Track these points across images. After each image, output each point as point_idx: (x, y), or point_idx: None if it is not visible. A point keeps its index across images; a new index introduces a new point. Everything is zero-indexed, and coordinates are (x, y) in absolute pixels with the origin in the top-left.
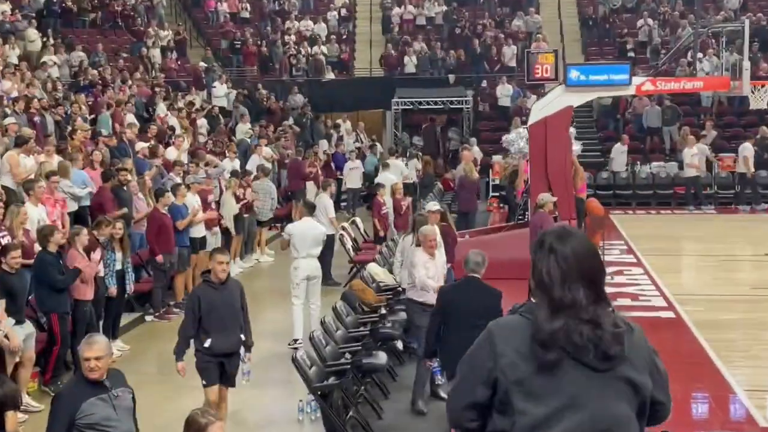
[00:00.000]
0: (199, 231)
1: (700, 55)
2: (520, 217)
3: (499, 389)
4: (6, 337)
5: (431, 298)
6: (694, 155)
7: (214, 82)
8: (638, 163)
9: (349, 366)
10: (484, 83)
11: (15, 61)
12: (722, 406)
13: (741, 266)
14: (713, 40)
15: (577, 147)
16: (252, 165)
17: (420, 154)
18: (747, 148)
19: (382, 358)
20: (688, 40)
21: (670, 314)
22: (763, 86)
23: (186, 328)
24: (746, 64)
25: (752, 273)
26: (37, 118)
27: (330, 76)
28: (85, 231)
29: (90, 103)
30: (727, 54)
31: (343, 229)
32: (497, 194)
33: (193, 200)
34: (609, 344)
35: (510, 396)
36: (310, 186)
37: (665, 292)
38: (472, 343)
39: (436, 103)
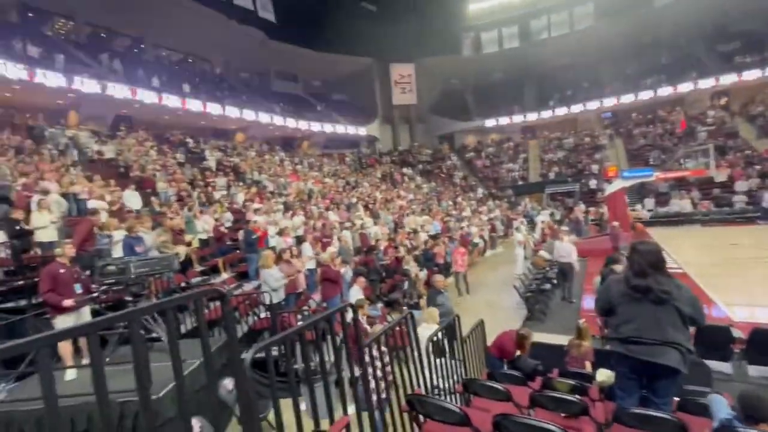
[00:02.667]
0: None
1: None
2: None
3: (613, 304)
4: None
5: None
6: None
7: None
8: None
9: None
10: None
11: None
12: None
13: None
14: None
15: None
16: None
17: None
18: None
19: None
20: (677, 155)
21: None
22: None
23: None
24: (712, 162)
25: None
26: None
27: None
28: None
29: None
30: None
31: None
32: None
33: None
34: (661, 294)
35: (616, 307)
36: None
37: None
38: None
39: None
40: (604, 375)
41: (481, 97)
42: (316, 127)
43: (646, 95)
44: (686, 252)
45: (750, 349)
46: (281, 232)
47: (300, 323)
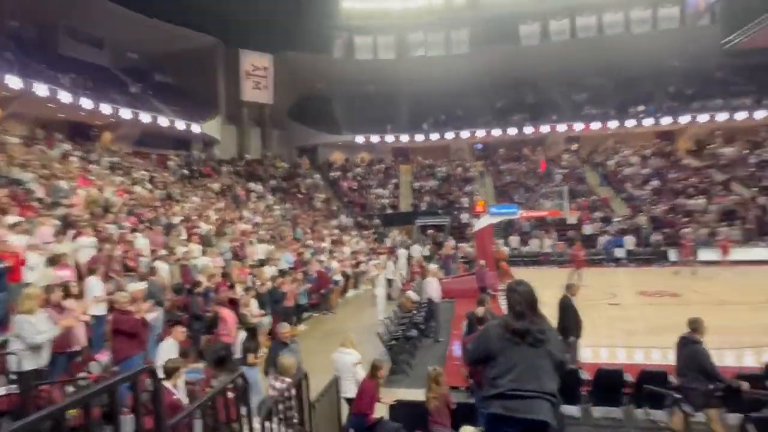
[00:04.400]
0: None
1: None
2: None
3: (491, 351)
4: None
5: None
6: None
7: None
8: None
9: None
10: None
11: None
12: None
13: None
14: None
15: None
16: None
17: None
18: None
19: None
20: (537, 195)
21: None
22: (572, 214)
23: None
24: (566, 204)
25: None
26: None
27: None
28: None
29: None
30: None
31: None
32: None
33: None
34: (538, 334)
35: (496, 355)
36: None
37: None
38: None
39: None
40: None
41: (352, 108)
42: (126, 114)
43: (512, 131)
44: (542, 293)
45: (594, 390)
46: (54, 261)
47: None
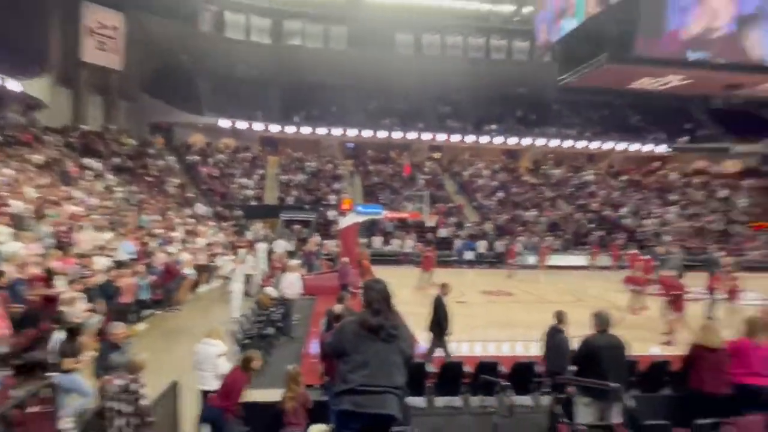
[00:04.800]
0: None
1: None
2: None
3: (345, 347)
4: None
5: None
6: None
7: None
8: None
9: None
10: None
11: None
12: None
13: None
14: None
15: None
16: None
17: None
18: None
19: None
20: (401, 198)
21: None
22: (431, 218)
23: None
24: (426, 208)
25: None
26: None
27: None
28: None
29: None
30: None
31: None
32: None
33: None
34: (391, 330)
35: (349, 351)
36: None
37: None
38: None
39: None
40: (318, 431)
41: (218, 89)
42: None
43: (382, 134)
44: (400, 291)
45: (439, 382)
46: None
47: None
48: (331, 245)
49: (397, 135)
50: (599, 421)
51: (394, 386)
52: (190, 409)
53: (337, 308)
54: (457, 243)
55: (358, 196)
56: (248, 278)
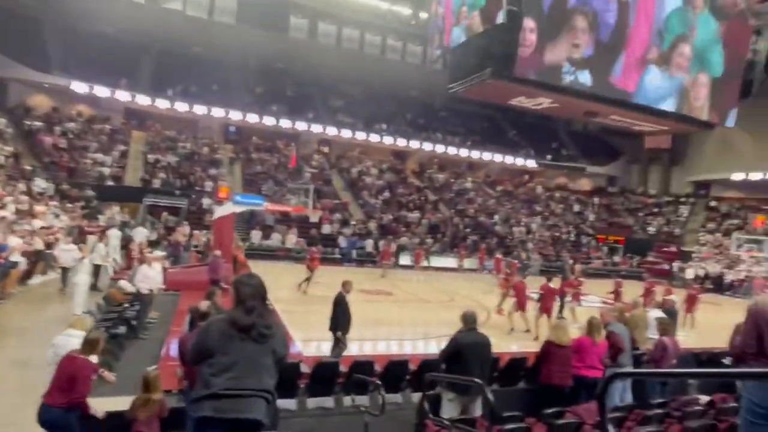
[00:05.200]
0: None
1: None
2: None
3: (211, 349)
4: None
5: None
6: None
7: None
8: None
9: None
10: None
11: None
12: None
13: None
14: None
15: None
16: None
17: None
18: None
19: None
20: (285, 190)
21: None
22: (315, 213)
23: None
24: (311, 202)
25: None
26: None
27: None
28: None
29: None
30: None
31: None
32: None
33: None
34: (264, 329)
35: (215, 353)
36: None
37: None
38: None
39: None
40: None
41: (73, 45)
42: None
43: (270, 121)
44: (277, 289)
45: (312, 383)
46: None
47: None
48: (202, 237)
49: (285, 123)
50: (463, 414)
51: (263, 389)
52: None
53: (203, 305)
54: (342, 240)
55: (237, 185)
56: (97, 270)
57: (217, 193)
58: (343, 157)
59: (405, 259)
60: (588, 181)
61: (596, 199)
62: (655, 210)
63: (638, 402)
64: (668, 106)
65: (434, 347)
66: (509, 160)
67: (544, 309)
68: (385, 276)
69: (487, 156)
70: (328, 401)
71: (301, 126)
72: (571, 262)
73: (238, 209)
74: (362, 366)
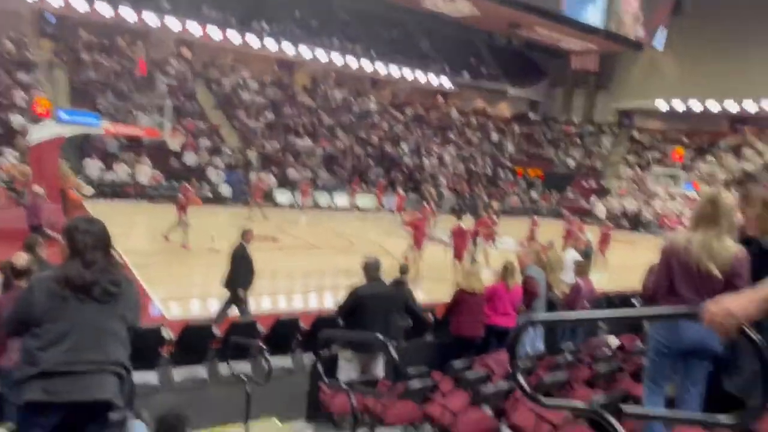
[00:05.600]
0: None
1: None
2: None
3: (35, 316)
4: None
5: None
6: None
7: None
8: None
9: None
10: None
11: None
12: None
13: None
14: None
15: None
16: None
17: None
18: None
19: None
20: (131, 106)
21: None
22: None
23: None
24: (168, 123)
25: None
26: None
27: None
28: None
29: None
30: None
31: None
32: None
33: None
34: (110, 287)
35: (41, 321)
36: None
37: None
38: None
39: None
40: None
41: None
42: None
43: (104, 9)
44: (128, 236)
45: (178, 350)
46: None
47: None
48: (14, 168)
49: (127, 14)
50: (363, 375)
51: (112, 362)
52: None
53: (21, 259)
54: (213, 172)
55: (62, 98)
56: None
57: (33, 108)
58: (211, 65)
59: (285, 197)
60: (508, 105)
61: (516, 127)
62: (577, 141)
63: (549, 347)
64: (596, 15)
65: (330, 301)
66: (421, 77)
67: (456, 254)
68: (251, 218)
69: (395, 71)
70: (199, 371)
71: (150, 18)
72: (486, 199)
73: (65, 131)
74: (242, 328)
